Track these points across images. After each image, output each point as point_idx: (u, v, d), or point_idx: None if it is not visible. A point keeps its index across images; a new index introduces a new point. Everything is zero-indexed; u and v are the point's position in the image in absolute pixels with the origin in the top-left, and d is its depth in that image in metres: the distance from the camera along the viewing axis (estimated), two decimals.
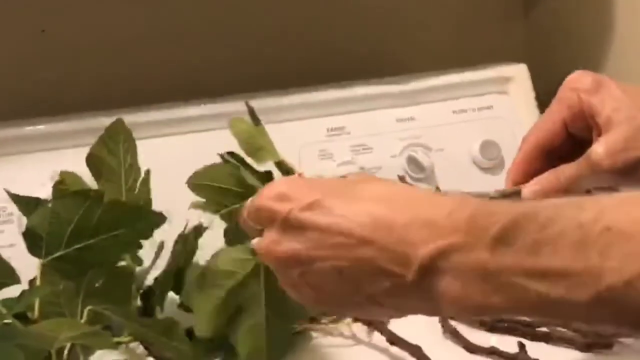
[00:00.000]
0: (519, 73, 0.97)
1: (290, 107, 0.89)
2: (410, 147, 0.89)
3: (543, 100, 0.98)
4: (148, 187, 0.69)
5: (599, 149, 0.57)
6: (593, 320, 0.41)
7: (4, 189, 0.65)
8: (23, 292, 0.57)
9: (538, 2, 1.10)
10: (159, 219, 0.61)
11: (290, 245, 0.47)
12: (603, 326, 0.43)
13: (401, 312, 0.47)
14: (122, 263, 0.67)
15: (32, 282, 0.60)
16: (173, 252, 0.70)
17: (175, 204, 0.66)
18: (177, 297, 0.73)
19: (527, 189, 0.59)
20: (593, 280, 0.39)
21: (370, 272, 0.44)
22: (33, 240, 0.57)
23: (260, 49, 0.99)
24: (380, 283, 0.44)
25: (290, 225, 0.47)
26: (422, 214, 0.43)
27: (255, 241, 0.50)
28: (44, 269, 0.58)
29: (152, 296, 0.71)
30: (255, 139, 0.67)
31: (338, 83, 0.92)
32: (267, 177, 0.65)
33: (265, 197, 0.49)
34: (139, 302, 0.70)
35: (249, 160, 0.68)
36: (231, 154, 0.68)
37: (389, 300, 0.45)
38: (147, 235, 0.62)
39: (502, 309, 0.42)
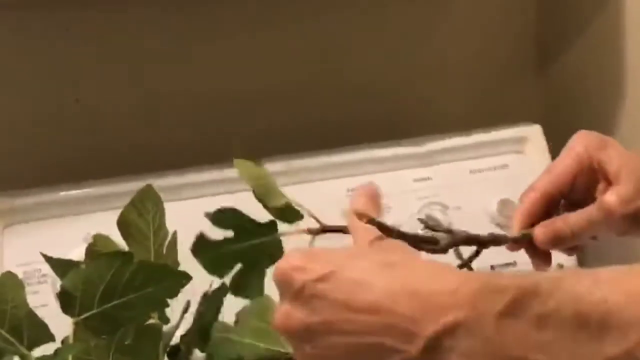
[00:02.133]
0: (534, 133, 0.98)
1: (312, 169, 0.91)
2: (429, 206, 0.91)
3: (557, 157, 1.00)
4: (175, 248, 0.71)
5: (611, 197, 0.61)
6: None
7: (40, 252, 0.67)
8: (57, 350, 0.60)
9: (552, 64, 1.11)
10: (185, 278, 0.63)
11: (302, 317, 0.47)
12: None
13: None
14: (151, 321, 0.69)
15: (65, 340, 0.62)
16: (198, 311, 0.72)
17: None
18: (202, 354, 0.75)
19: (539, 231, 0.63)
20: (595, 352, 0.40)
21: (378, 349, 0.44)
22: (67, 300, 0.59)
23: (281, 113, 1.01)
24: (386, 359, 0.44)
25: (303, 297, 0.47)
26: (429, 289, 0.44)
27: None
28: (77, 327, 0.60)
29: (178, 353, 0.73)
30: (263, 180, 0.65)
31: (357, 145, 0.94)
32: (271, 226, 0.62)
33: (282, 266, 0.49)
34: (166, 359, 0.72)
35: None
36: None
37: None
38: (174, 294, 0.63)
39: None
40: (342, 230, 0.58)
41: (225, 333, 0.74)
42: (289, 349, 0.73)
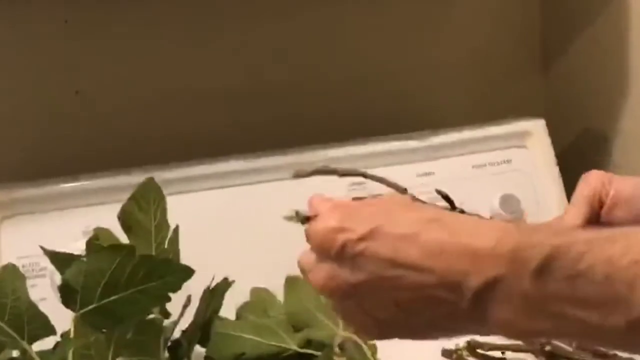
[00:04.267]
0: (537, 128, 0.98)
1: (314, 163, 0.91)
2: (430, 201, 0.91)
3: (560, 153, 1.00)
4: (176, 242, 0.71)
5: None
6: (629, 346, 0.45)
7: (40, 246, 0.67)
8: (58, 343, 0.59)
9: (555, 59, 1.11)
10: (187, 272, 0.63)
11: (346, 277, 0.48)
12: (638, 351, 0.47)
13: (456, 334, 0.50)
14: (152, 316, 0.69)
15: (65, 334, 0.62)
16: (200, 306, 0.72)
17: (202, 258, 0.68)
18: (203, 349, 0.74)
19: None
20: (623, 311, 0.42)
21: (426, 300, 0.46)
22: (68, 293, 0.59)
23: (284, 107, 1.01)
24: (437, 309, 0.46)
25: (345, 257, 0.48)
26: (472, 245, 0.46)
27: (310, 275, 0.50)
28: (78, 321, 0.59)
29: (179, 348, 0.72)
30: None
31: (360, 139, 0.94)
32: None
33: (320, 229, 0.49)
34: (167, 354, 0.72)
35: None
36: None
37: (445, 324, 0.47)
38: (175, 288, 0.63)
39: (546, 333, 0.46)
40: None
41: (225, 329, 0.73)
42: (291, 345, 0.73)
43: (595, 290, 0.42)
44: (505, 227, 0.47)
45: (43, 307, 0.66)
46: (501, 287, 0.44)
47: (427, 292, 0.46)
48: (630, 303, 0.42)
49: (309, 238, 0.50)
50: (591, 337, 0.45)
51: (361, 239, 0.47)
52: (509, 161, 0.96)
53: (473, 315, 0.46)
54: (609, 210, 0.66)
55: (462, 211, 0.62)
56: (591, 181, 0.67)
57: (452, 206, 0.64)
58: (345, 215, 0.49)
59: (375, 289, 0.47)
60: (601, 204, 0.67)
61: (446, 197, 0.66)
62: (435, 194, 0.91)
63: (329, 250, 0.48)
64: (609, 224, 0.66)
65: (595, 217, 0.66)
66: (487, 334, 0.49)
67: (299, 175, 0.62)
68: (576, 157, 1.06)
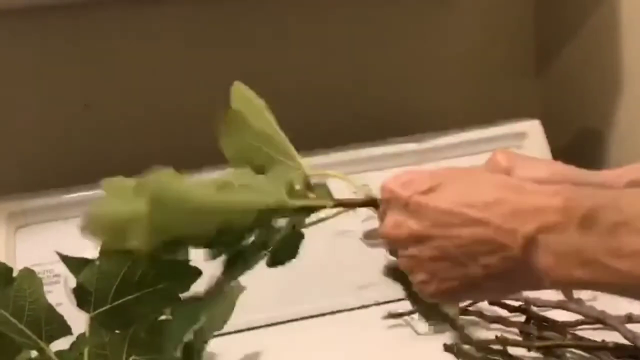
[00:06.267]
0: (533, 128, 0.99)
1: (314, 167, 0.93)
2: None
3: (556, 152, 1.01)
4: None
5: None
6: None
7: (55, 251, 0.69)
8: (74, 342, 0.62)
9: (550, 60, 1.12)
10: (196, 273, 0.65)
11: (411, 225, 0.53)
12: None
13: (509, 286, 0.53)
14: (163, 317, 0.71)
15: (81, 335, 0.64)
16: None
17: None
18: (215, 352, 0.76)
19: None
20: None
21: (484, 245, 0.51)
22: (83, 295, 0.61)
23: (281, 111, 1.03)
24: (493, 256, 0.50)
25: (410, 208, 0.53)
26: (528, 199, 0.50)
27: (380, 225, 0.56)
28: (92, 322, 0.61)
29: (191, 348, 0.74)
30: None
31: (359, 143, 0.95)
32: None
33: (392, 183, 0.55)
34: (179, 354, 0.74)
35: None
36: None
37: (499, 273, 0.51)
38: (185, 289, 0.65)
39: (587, 283, 0.49)
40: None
41: None
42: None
43: (637, 241, 0.46)
44: (562, 186, 0.51)
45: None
46: (550, 235, 0.48)
47: (484, 238, 0.50)
48: None
49: (381, 192, 0.56)
50: (627, 289, 0.48)
51: (426, 191, 0.53)
52: None
53: (524, 262, 0.49)
54: None
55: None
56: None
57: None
58: (419, 173, 0.55)
59: (437, 236, 0.52)
60: None
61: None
62: None
63: (398, 202, 0.54)
64: None
65: None
66: (536, 287, 0.52)
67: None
68: (572, 157, 1.06)
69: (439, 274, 0.53)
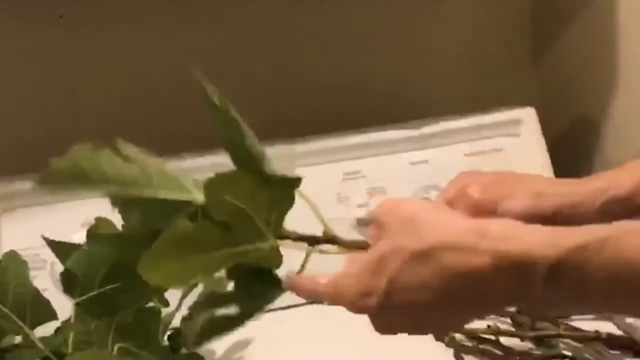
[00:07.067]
0: (528, 116, 0.99)
1: (310, 153, 0.92)
2: (424, 189, 0.92)
3: (551, 141, 1.01)
4: None
5: None
6: None
7: (42, 236, 0.68)
8: (59, 328, 0.60)
9: (545, 49, 1.12)
10: None
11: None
12: None
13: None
14: (151, 304, 0.69)
15: (66, 321, 0.63)
16: (200, 295, 0.72)
17: None
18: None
19: None
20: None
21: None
22: (69, 280, 0.60)
23: (278, 96, 1.02)
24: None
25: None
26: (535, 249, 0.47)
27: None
28: (78, 308, 0.60)
29: (178, 336, 0.73)
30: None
31: (354, 129, 0.95)
32: None
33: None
34: (166, 342, 0.73)
35: None
36: None
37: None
38: None
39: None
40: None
41: None
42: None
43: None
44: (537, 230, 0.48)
45: None
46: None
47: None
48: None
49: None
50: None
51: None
52: (500, 149, 0.97)
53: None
54: None
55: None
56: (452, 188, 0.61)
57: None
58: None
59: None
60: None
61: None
62: (429, 183, 0.93)
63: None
64: None
65: None
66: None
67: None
68: (567, 144, 1.07)
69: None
